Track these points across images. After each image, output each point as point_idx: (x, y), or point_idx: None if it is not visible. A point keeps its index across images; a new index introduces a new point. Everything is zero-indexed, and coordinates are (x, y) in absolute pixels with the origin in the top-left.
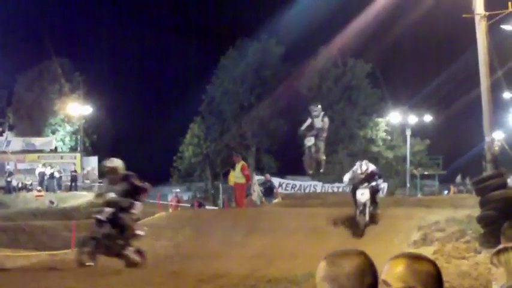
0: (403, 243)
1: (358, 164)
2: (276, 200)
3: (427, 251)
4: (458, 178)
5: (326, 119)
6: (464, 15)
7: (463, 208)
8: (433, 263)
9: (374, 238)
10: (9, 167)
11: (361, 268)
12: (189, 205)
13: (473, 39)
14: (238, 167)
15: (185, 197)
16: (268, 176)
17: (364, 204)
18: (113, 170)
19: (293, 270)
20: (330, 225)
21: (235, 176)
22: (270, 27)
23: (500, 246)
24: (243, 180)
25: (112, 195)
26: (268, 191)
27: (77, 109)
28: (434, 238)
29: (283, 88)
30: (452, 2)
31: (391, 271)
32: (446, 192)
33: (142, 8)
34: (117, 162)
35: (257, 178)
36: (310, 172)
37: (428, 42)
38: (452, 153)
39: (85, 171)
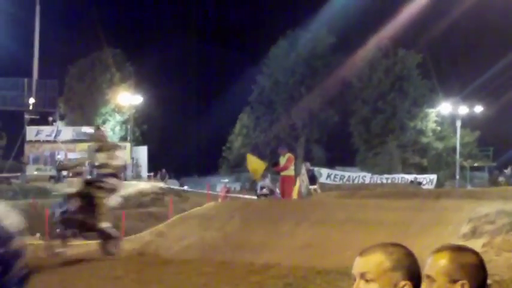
0: (452, 235)
1: None
2: (314, 188)
3: (477, 244)
4: (509, 170)
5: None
6: None
7: None
8: (476, 254)
9: (423, 231)
10: (60, 156)
11: (404, 257)
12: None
13: None
14: (285, 158)
15: (234, 186)
16: (308, 164)
17: None
18: (101, 137)
19: (343, 262)
20: (378, 216)
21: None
22: (320, 17)
23: None
24: (291, 173)
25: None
26: (311, 180)
27: (127, 99)
28: (484, 231)
29: (333, 79)
30: None
31: (434, 265)
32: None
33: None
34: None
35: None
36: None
37: (480, 31)
38: (503, 144)
39: (134, 160)
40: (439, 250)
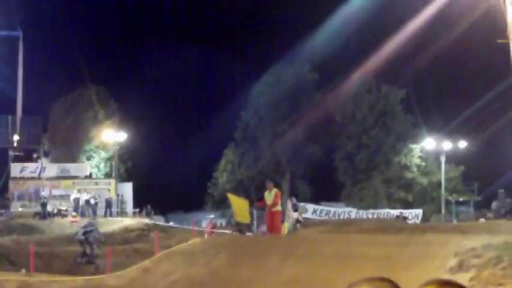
0: (439, 269)
1: None
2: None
3: (464, 278)
4: (494, 204)
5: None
6: (499, 41)
7: (500, 234)
8: None
9: (409, 265)
10: (44, 193)
11: None
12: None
13: (508, 64)
14: (272, 193)
15: (220, 222)
16: (294, 199)
17: None
18: None
19: None
20: (364, 251)
21: (269, 204)
22: (303, 52)
23: None
24: (279, 208)
25: None
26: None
27: (111, 136)
28: (470, 264)
29: (317, 114)
30: (488, 26)
31: None
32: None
33: (177, 36)
34: None
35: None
36: None
37: (464, 67)
38: (487, 179)
39: (119, 197)
40: (426, 284)
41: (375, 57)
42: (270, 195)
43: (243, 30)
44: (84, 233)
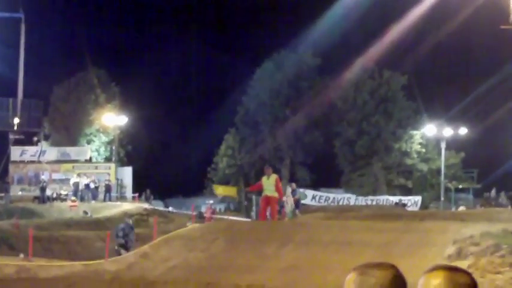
0: (437, 257)
1: None
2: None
3: (462, 265)
4: (493, 192)
5: None
6: (502, 26)
7: (499, 222)
8: (470, 275)
9: (408, 252)
10: (44, 176)
11: (392, 280)
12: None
13: (511, 50)
14: (271, 179)
15: (219, 207)
16: (294, 185)
17: None
18: None
19: (326, 284)
20: (363, 238)
21: (267, 189)
22: (306, 38)
23: None
24: (276, 194)
25: None
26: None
27: (112, 119)
28: (469, 252)
29: (318, 100)
30: (491, 12)
31: (428, 285)
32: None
33: (179, 21)
34: None
35: (290, 190)
36: None
37: (465, 53)
38: (487, 166)
39: (119, 181)
40: (433, 270)
41: (377, 43)
42: (268, 181)
43: (245, 15)
44: (124, 236)
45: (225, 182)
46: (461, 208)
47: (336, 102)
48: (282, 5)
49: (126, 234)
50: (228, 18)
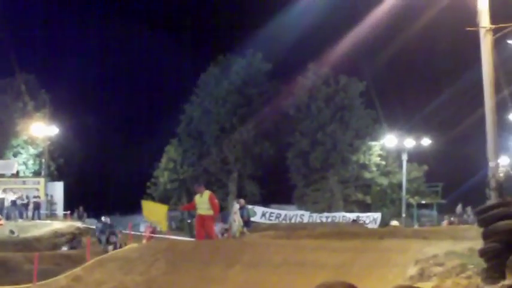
0: (398, 278)
1: None
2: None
3: (425, 287)
4: (459, 208)
5: None
6: (468, 28)
7: (464, 240)
8: None
9: (366, 273)
10: None
11: None
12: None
13: (477, 55)
14: (204, 196)
15: (160, 226)
16: (242, 201)
17: None
18: None
19: None
20: (317, 258)
21: (201, 208)
22: (255, 41)
23: (507, 282)
24: (211, 212)
25: None
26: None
27: (41, 130)
28: (432, 273)
29: (269, 108)
30: (455, 14)
31: None
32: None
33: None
34: None
35: (238, 206)
36: None
37: (428, 59)
38: (452, 180)
39: (49, 197)
40: None
41: (333, 47)
42: (201, 199)
43: (189, 17)
44: (101, 233)
45: (166, 198)
46: (394, 223)
47: (288, 111)
48: (228, 5)
49: (102, 231)
50: (169, 18)
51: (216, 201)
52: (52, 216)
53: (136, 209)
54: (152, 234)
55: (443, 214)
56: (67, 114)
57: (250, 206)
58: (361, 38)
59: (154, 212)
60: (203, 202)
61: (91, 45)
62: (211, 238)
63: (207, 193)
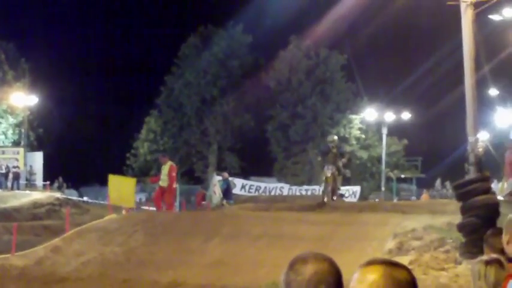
0: (376, 252)
1: None
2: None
3: (403, 261)
4: (438, 182)
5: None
6: (448, 2)
7: (443, 214)
8: (409, 271)
9: (344, 246)
10: None
11: (320, 276)
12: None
13: (458, 29)
14: (165, 168)
15: (140, 197)
16: (226, 174)
17: None
18: None
19: (256, 280)
20: (296, 231)
21: (162, 179)
22: (237, 13)
23: (485, 257)
24: (165, 184)
25: None
26: (226, 191)
27: (21, 99)
28: (410, 247)
29: (250, 81)
30: None
31: (364, 279)
32: (414, 198)
33: None
34: None
35: (218, 178)
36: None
37: (409, 32)
38: (432, 155)
39: (28, 167)
40: (369, 264)
41: (314, 20)
42: (163, 170)
43: None
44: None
45: (146, 169)
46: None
47: (268, 83)
48: None
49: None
50: None
51: (174, 174)
52: (31, 186)
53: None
54: None
55: (422, 188)
56: (47, 83)
57: (230, 178)
58: (343, 11)
59: (121, 188)
60: (164, 174)
61: (71, 14)
62: (170, 209)
63: (168, 164)
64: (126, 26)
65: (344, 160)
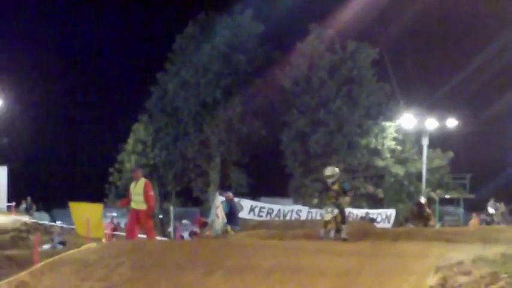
0: None
1: None
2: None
3: None
4: (491, 204)
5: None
6: None
7: (496, 244)
8: None
9: (376, 283)
10: None
11: None
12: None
13: None
14: (138, 186)
15: (125, 221)
16: (230, 194)
17: None
18: None
19: None
20: (317, 264)
21: (135, 200)
22: None
23: None
24: (144, 206)
25: None
26: (230, 215)
27: None
28: (456, 283)
29: (260, 80)
30: None
31: None
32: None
33: None
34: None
35: (221, 199)
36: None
37: (456, 20)
38: (483, 171)
39: None
40: None
41: (339, 4)
42: (136, 189)
43: None
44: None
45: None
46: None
47: (283, 83)
48: None
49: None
50: None
51: (152, 193)
52: None
53: (96, 200)
54: (114, 232)
55: (471, 212)
56: (15, 84)
57: (236, 199)
58: None
59: (87, 216)
60: (137, 193)
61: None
62: (150, 237)
63: (142, 181)
64: (109, 12)
65: (347, 199)
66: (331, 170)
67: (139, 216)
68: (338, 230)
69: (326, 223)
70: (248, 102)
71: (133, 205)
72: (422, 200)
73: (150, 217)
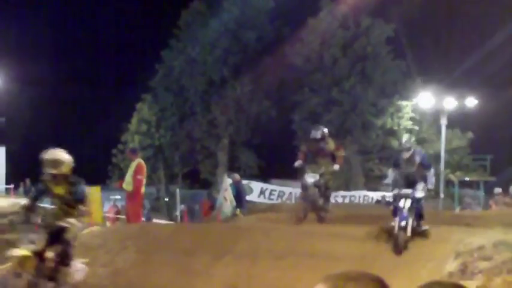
0: (433, 275)
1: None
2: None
3: (468, 286)
4: None
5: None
6: None
7: None
8: None
9: (393, 268)
10: None
11: None
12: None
13: None
14: (131, 167)
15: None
16: (237, 176)
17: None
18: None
19: None
20: (331, 248)
21: (125, 181)
22: None
23: None
24: (130, 188)
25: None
26: (237, 197)
27: None
28: (477, 269)
29: (270, 58)
30: None
31: None
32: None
33: None
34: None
35: (230, 181)
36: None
37: None
38: (505, 152)
39: None
40: (429, 286)
41: None
42: (129, 170)
43: None
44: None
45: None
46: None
47: (294, 61)
48: None
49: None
50: None
51: (140, 176)
52: None
53: (99, 182)
54: (118, 216)
55: (492, 195)
56: (13, 62)
57: (245, 181)
58: None
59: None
60: (129, 175)
61: None
62: (130, 221)
63: (135, 163)
64: None
65: (337, 166)
66: (317, 131)
67: (128, 197)
68: (317, 206)
69: (307, 188)
70: (257, 81)
71: (124, 186)
72: None
73: (134, 201)
